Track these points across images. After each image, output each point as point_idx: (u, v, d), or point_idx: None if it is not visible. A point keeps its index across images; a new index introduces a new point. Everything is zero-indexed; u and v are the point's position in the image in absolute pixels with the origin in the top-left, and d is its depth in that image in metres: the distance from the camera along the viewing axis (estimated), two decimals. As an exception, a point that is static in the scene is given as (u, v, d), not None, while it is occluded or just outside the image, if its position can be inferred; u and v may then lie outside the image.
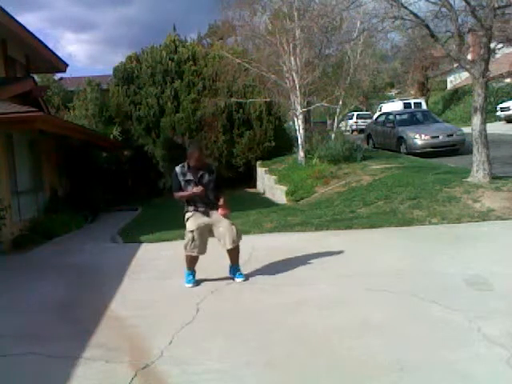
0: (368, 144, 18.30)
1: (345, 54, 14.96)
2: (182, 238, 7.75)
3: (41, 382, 3.35)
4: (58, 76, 24.40)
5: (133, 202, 15.66)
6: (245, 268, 5.61)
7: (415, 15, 8.70)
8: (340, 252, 6.05)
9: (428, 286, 4.59)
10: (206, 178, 5.11)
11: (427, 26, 8.68)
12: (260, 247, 6.51)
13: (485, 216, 7.17)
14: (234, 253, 5.22)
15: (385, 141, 17.20)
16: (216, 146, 17.63)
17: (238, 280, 5.20)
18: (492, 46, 8.57)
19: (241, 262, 5.51)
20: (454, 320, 3.76)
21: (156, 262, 6.50)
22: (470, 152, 9.30)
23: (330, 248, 6.22)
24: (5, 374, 3.46)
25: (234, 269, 5.29)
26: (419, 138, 15.01)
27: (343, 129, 18.33)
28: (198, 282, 5.22)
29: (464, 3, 8.24)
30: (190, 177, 5.09)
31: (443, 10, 8.52)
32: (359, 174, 11.44)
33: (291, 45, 14.03)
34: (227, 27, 16.85)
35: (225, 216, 5.10)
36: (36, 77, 14.44)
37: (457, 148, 14.82)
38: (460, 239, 6.29)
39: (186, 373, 3.25)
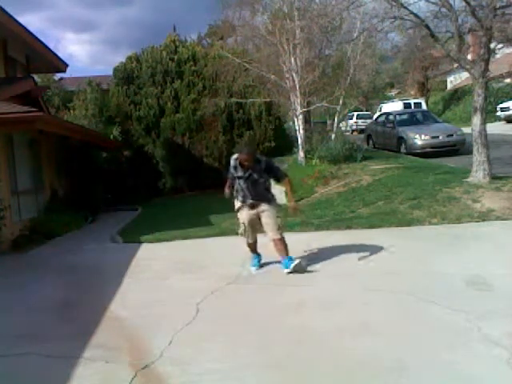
0: (368, 144, 18.29)
1: (345, 54, 14.95)
2: (182, 239, 7.84)
3: (41, 382, 3.35)
4: (58, 76, 24.38)
5: (133, 201, 15.64)
6: (245, 268, 5.63)
7: (415, 15, 8.70)
8: (340, 252, 6.05)
9: (428, 286, 4.59)
10: (255, 176, 5.30)
11: (427, 26, 8.67)
12: (259, 247, 6.50)
13: (485, 216, 7.16)
14: (276, 245, 5.40)
15: (385, 141, 17.20)
16: (216, 146, 17.62)
17: (285, 270, 5.30)
18: (492, 46, 8.56)
19: (240, 262, 5.55)
20: (453, 320, 3.76)
21: (156, 262, 6.50)
22: (470, 152, 9.30)
23: (330, 248, 6.22)
24: (5, 374, 3.46)
25: (283, 261, 5.38)
26: (419, 138, 14.99)
27: (343, 129, 18.33)
28: (262, 265, 5.64)
29: (464, 3, 8.24)
30: (240, 173, 5.35)
31: (443, 10, 8.51)
32: (359, 174, 11.44)
33: (291, 45, 14.01)
34: (227, 27, 16.85)
35: (294, 210, 5.65)
36: (36, 77, 14.43)
37: (457, 148, 14.81)
38: (460, 239, 6.29)
39: (186, 373, 3.25)
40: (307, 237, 7.10)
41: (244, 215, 5.48)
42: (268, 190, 5.47)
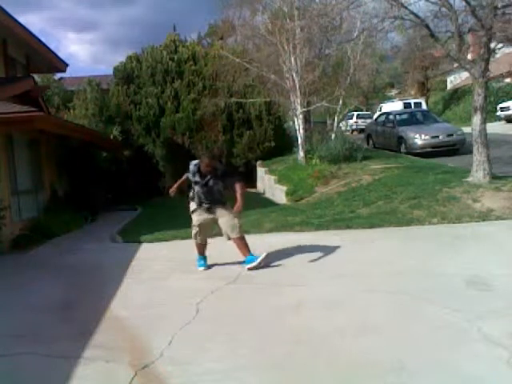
0: (368, 144, 18.29)
1: (345, 53, 14.96)
2: (182, 239, 7.84)
3: (41, 382, 3.35)
4: (58, 76, 24.37)
5: (133, 201, 15.65)
6: (244, 268, 5.64)
7: (415, 15, 8.69)
8: (340, 252, 6.05)
9: (428, 285, 4.59)
10: (212, 182, 5.56)
11: (427, 26, 8.67)
12: (260, 247, 6.50)
13: (485, 216, 7.16)
14: (237, 245, 5.62)
15: (385, 141, 17.20)
16: (216, 145, 17.62)
17: (247, 266, 5.52)
18: (492, 45, 8.56)
19: (240, 261, 5.55)
20: (453, 320, 3.76)
21: (155, 261, 6.50)
22: (470, 152, 9.30)
23: (330, 248, 6.22)
24: (5, 374, 3.46)
25: (246, 258, 5.59)
26: (419, 138, 15.00)
27: (343, 129, 18.33)
28: (209, 267, 5.84)
29: (464, 3, 8.24)
30: (197, 178, 5.61)
31: (443, 9, 8.51)
32: (359, 173, 11.44)
33: (291, 45, 14.02)
34: (227, 27, 16.86)
35: (237, 209, 5.56)
36: (36, 76, 14.41)
37: (457, 148, 14.82)
38: (460, 239, 6.29)
39: (186, 373, 3.25)
40: (307, 237, 7.10)
41: (198, 218, 5.71)
42: (222, 194, 5.66)
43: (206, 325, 4.08)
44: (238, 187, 5.65)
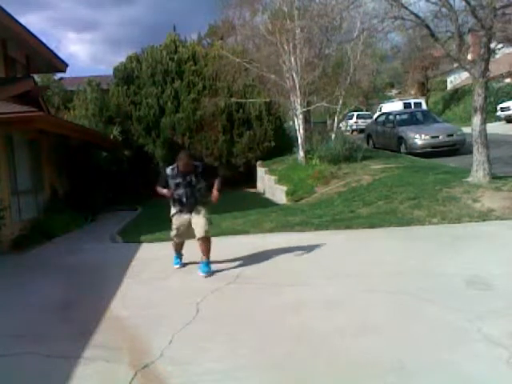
0: (368, 144, 18.30)
1: (345, 54, 14.96)
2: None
3: (41, 382, 3.35)
4: (58, 76, 24.39)
5: (133, 201, 15.65)
6: (244, 268, 5.64)
7: (415, 15, 8.69)
8: (340, 252, 6.06)
9: (428, 286, 4.59)
10: (194, 180, 5.58)
11: (427, 26, 8.68)
12: (260, 247, 6.52)
13: (485, 216, 7.17)
14: (201, 244, 5.56)
15: (385, 141, 17.21)
16: (216, 145, 17.62)
17: (200, 274, 5.50)
18: (492, 46, 8.57)
19: (239, 262, 5.54)
20: (453, 320, 3.76)
21: (155, 261, 6.51)
22: (470, 152, 9.31)
23: (330, 248, 6.22)
24: (5, 374, 3.46)
25: (202, 263, 5.59)
26: (419, 138, 15.01)
27: (343, 129, 18.33)
28: (184, 265, 6.00)
29: (464, 3, 8.25)
30: (179, 180, 5.59)
31: (443, 10, 8.52)
32: (359, 174, 11.44)
33: (291, 45, 14.03)
34: (227, 27, 16.87)
35: (215, 199, 5.57)
36: (36, 77, 14.42)
37: (457, 148, 14.83)
38: (460, 239, 6.29)
39: (186, 373, 3.25)
40: (307, 236, 7.10)
41: (176, 223, 5.74)
42: (203, 195, 5.67)
43: (206, 325, 4.08)
44: (216, 182, 5.63)
